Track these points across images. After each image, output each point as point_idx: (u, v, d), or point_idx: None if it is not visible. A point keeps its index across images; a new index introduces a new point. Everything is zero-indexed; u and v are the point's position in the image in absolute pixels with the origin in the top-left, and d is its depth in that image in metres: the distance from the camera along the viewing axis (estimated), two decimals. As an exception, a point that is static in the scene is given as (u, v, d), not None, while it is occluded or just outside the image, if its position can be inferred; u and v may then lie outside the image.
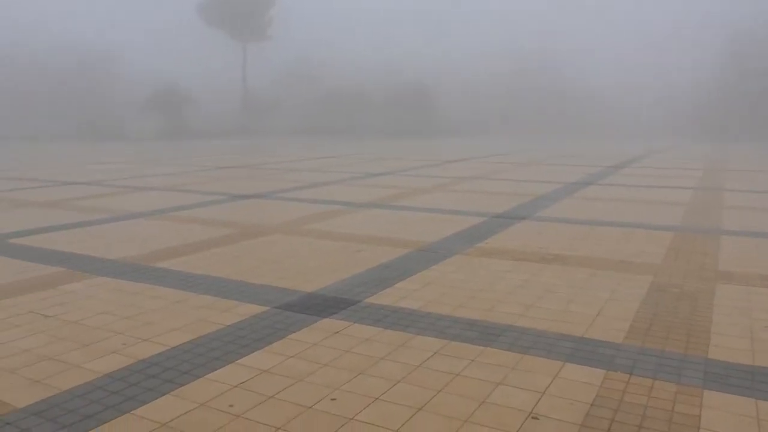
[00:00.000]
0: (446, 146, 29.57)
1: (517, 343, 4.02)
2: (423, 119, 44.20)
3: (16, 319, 4.53)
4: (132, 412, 3.11)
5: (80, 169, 18.16)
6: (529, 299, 5.01)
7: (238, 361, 3.76)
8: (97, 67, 47.98)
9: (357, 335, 4.18)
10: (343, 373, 3.57)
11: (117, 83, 47.38)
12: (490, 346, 3.97)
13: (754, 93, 38.32)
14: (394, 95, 46.57)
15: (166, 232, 8.11)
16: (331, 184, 13.61)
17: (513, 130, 40.47)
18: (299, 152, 25.54)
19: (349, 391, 3.33)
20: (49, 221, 8.78)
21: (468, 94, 45.69)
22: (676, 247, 7.00)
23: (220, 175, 16.27)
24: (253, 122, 48.04)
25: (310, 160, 21.11)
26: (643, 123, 40.15)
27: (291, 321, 4.48)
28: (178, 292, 5.25)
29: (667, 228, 8.13)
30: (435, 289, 5.30)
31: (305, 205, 10.33)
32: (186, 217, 9.30)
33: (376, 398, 3.25)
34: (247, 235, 7.76)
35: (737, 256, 6.54)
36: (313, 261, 6.35)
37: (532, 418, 3.04)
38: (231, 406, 3.18)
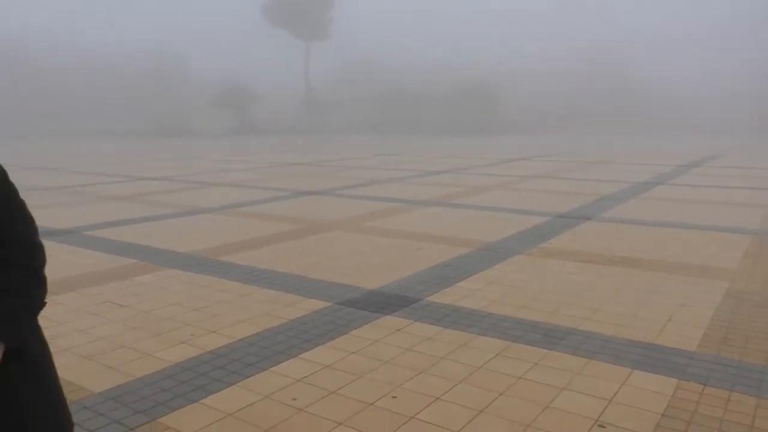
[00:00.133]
0: (509, 144, 29.16)
1: (582, 348, 3.92)
2: (485, 117, 43.67)
3: (94, 308, 4.76)
4: (200, 401, 3.22)
5: (152, 165, 18.91)
6: (594, 302, 4.87)
7: (301, 355, 3.82)
8: (168, 67, 49.82)
9: (418, 333, 4.18)
10: (404, 371, 3.58)
11: (186, 83, 49.07)
12: (554, 350, 3.88)
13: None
14: (455, 93, 46.25)
15: (232, 226, 8.34)
16: (392, 182, 13.65)
17: (579, 128, 39.45)
18: (360, 150, 25.75)
19: (410, 390, 3.33)
20: (124, 215, 9.18)
21: (532, 92, 44.85)
22: (754, 251, 6.65)
23: (284, 172, 16.60)
24: (316, 120, 48.76)
25: (371, 158, 21.24)
26: (715, 121, 38.33)
27: (353, 317, 4.52)
28: (244, 286, 5.39)
29: (744, 231, 7.73)
30: (497, 289, 5.23)
31: (366, 202, 10.41)
32: (251, 212, 9.53)
33: (437, 398, 3.23)
34: (310, 231, 7.88)
35: (822, 263, 6.16)
36: (374, 258, 6.39)
37: (599, 426, 2.96)
38: (294, 399, 3.24)
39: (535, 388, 3.35)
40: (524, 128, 41.30)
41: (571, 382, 3.43)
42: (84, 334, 4.17)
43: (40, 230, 1.74)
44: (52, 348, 1.79)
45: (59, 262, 6.04)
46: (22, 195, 1.67)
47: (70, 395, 2.92)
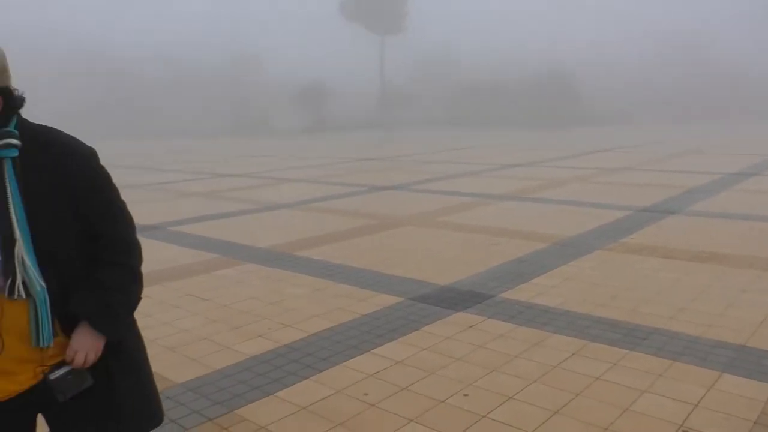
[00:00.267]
0: (588, 136, 28.21)
1: (666, 348, 3.73)
2: (564, 108, 42.41)
3: (177, 301, 4.98)
4: (275, 394, 3.30)
5: (231, 162, 19.60)
6: (679, 301, 4.63)
7: (374, 350, 3.85)
8: (246, 66, 51.44)
9: (491, 330, 4.11)
10: (476, 368, 3.53)
11: (264, 81, 50.50)
12: (635, 350, 3.72)
13: None
14: (531, 84, 45.16)
15: (308, 222, 8.51)
16: (467, 176, 13.51)
17: (662, 118, 37.62)
18: (435, 144, 25.64)
19: (482, 388, 3.29)
20: (205, 211, 9.55)
21: (612, 81, 43.17)
22: None
23: (359, 167, 16.77)
24: (391, 114, 48.96)
25: (446, 152, 21.11)
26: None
27: (425, 313, 4.51)
28: (319, 281, 5.49)
29: None
30: (574, 285, 5.07)
31: (440, 197, 10.35)
32: (326, 208, 9.69)
33: (510, 397, 3.17)
34: (384, 227, 7.92)
35: None
36: (447, 253, 6.34)
37: (683, 431, 2.81)
38: (366, 394, 3.26)
39: (613, 390, 3.22)
40: (604, 119, 39.82)
41: (653, 384, 3.27)
42: (168, 326, 4.38)
43: None
44: (139, 340, 1.87)
45: (145, 257, 6.34)
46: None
47: (154, 385, 3.06)
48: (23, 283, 1.50)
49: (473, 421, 2.95)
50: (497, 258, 6.03)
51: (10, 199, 1.50)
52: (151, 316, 4.52)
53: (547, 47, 46.17)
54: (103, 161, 1.73)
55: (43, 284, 1.53)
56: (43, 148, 1.58)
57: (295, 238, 7.32)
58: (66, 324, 1.62)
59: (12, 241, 1.50)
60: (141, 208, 9.61)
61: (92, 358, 1.63)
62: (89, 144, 1.72)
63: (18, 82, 1.61)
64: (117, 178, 1.73)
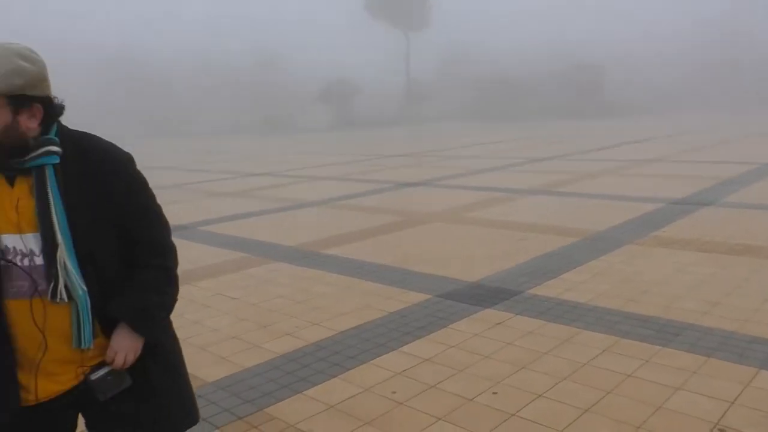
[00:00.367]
0: (617, 127, 27.74)
1: (700, 344, 3.65)
2: (592, 100, 41.78)
3: (207, 300, 5.04)
4: (303, 392, 3.32)
5: (259, 161, 19.77)
6: (714, 295, 4.52)
7: (401, 348, 3.84)
8: (273, 64, 51.80)
9: (519, 327, 4.07)
10: (504, 366, 3.50)
11: (291, 79, 50.79)
12: (668, 346, 3.64)
13: None
14: (559, 76, 44.57)
15: (335, 219, 8.54)
16: (494, 171, 13.41)
17: (693, 109, 36.79)
18: (462, 138, 25.51)
19: (511, 386, 3.26)
20: (234, 210, 9.65)
21: (640, 72, 42.34)
22: None
23: (385, 163, 16.77)
24: (417, 110, 48.85)
25: (473, 146, 20.98)
26: None
27: (453, 310, 4.49)
28: (346, 278, 5.50)
29: None
30: (604, 281, 4.99)
31: (467, 193, 10.29)
32: (353, 205, 9.71)
33: (540, 395, 3.14)
34: (411, 223, 7.91)
35: None
36: (474, 250, 6.30)
37: (719, 430, 2.74)
38: (394, 392, 3.26)
39: (646, 388, 3.16)
40: (633, 110, 39.08)
41: (687, 381, 3.20)
42: (198, 325, 4.43)
43: None
44: (172, 339, 1.90)
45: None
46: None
47: (185, 384, 3.10)
48: (65, 286, 1.54)
49: (502, 419, 2.93)
50: (525, 253, 5.97)
51: (52, 205, 1.54)
52: (182, 316, 4.58)
53: (573, 38, 45.44)
54: (132, 163, 1.75)
55: (84, 288, 1.57)
56: (83, 154, 1.62)
57: (323, 236, 7.35)
58: (105, 326, 1.66)
59: (54, 246, 1.54)
60: (171, 209, 9.69)
61: (131, 358, 1.67)
62: (123, 148, 1.75)
63: (53, 88, 1.64)
64: (146, 178, 1.76)
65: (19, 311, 1.54)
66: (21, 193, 1.56)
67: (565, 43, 45.91)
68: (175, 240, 1.85)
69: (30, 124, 1.54)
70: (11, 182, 1.56)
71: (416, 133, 32.57)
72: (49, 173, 1.56)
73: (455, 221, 7.90)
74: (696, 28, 41.52)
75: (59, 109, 1.61)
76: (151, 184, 1.78)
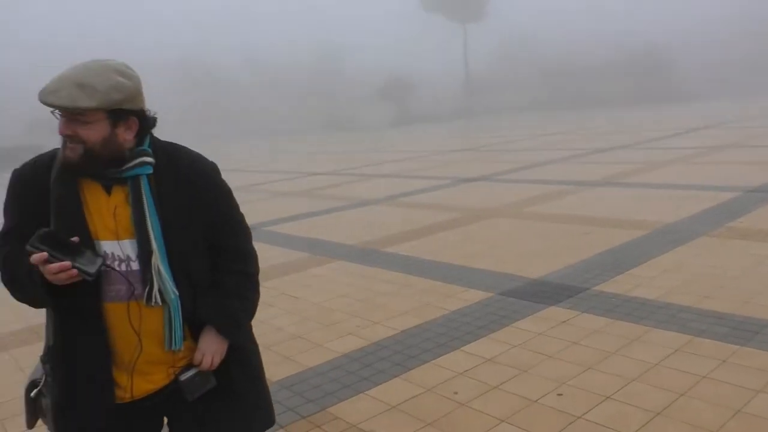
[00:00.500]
0: (686, 113, 26.51)
1: (782, 344, 3.44)
2: (658, 85, 40.05)
3: (271, 300, 5.15)
4: (365, 392, 3.34)
5: (320, 160, 20.04)
6: (797, 290, 4.25)
7: (463, 347, 3.80)
8: (331, 63, 52.37)
9: (585, 326, 3.95)
10: (570, 366, 3.41)
11: (349, 77, 51.21)
12: (746, 346, 3.45)
13: None
14: (623, 62, 42.97)
15: (395, 217, 8.55)
16: (556, 163, 13.09)
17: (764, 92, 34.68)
18: (522, 130, 25.04)
19: (577, 387, 3.17)
20: (297, 210, 9.82)
21: (710, 55, 40.25)
22: None
23: (445, 159, 16.67)
24: (476, 102, 48.30)
25: (534, 138, 20.56)
26: None
27: (515, 308, 4.41)
28: (407, 276, 5.50)
29: None
30: (676, 276, 4.78)
31: (529, 186, 10.09)
32: (413, 202, 9.70)
33: (607, 397, 3.03)
34: (472, 219, 7.82)
35: None
36: (537, 245, 6.17)
37: (803, 435, 2.58)
38: (455, 393, 3.23)
39: (723, 390, 3.00)
40: (703, 95, 37.18)
41: (768, 383, 3.03)
42: (263, 324, 4.53)
43: None
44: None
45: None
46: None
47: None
48: (159, 290, 1.63)
49: (567, 422, 2.85)
50: (591, 248, 5.79)
51: (147, 213, 1.64)
52: (247, 316, 4.69)
53: (637, 22, 43.73)
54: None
55: (176, 292, 1.66)
56: (173, 164, 1.72)
57: (383, 234, 7.37)
58: (193, 329, 1.74)
59: (149, 252, 1.63)
60: (236, 210, 9.97)
61: (217, 361, 1.74)
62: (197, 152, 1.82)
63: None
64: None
65: (116, 314, 1.63)
66: (118, 201, 1.65)
67: (629, 27, 44.23)
68: (241, 241, 1.89)
69: (126, 136, 1.63)
70: (108, 191, 1.65)
71: (476, 126, 32.20)
72: (144, 183, 1.66)
73: (516, 216, 7.76)
74: (764, 6, 39.06)
75: (152, 122, 1.71)
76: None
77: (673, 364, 3.31)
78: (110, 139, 1.59)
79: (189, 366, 1.73)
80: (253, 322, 1.90)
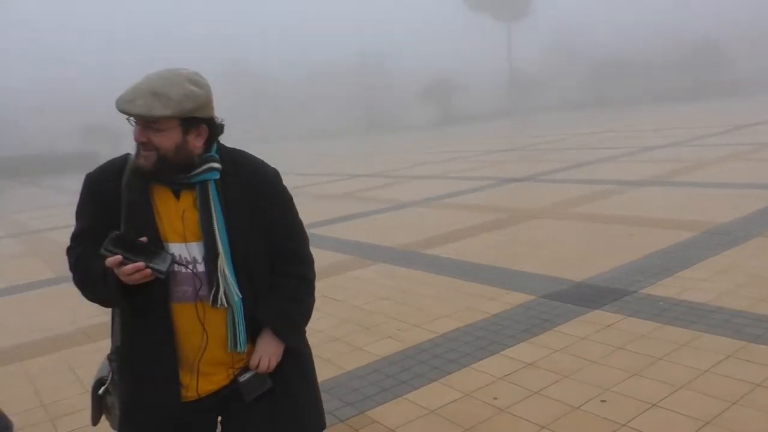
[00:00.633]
0: (743, 107, 25.50)
1: (844, 350, 3.26)
2: (712, 79, 38.64)
3: (312, 302, 5.18)
4: (404, 396, 3.32)
5: (363, 162, 20.12)
6: None
7: (503, 352, 3.74)
8: (374, 66, 52.56)
9: (631, 330, 3.83)
10: (614, 372, 3.31)
11: (393, 79, 51.29)
12: (804, 352, 3.29)
13: None
14: (675, 56, 41.66)
15: (438, 219, 8.50)
16: (603, 162, 12.78)
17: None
18: (568, 129, 24.57)
19: (622, 394, 3.07)
20: (340, 212, 9.88)
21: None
22: None
23: (489, 159, 16.50)
24: (520, 101, 47.68)
25: (580, 137, 20.14)
26: None
27: (558, 312, 4.31)
28: (448, 279, 5.45)
29: None
30: (729, 278, 4.59)
31: (574, 186, 9.88)
32: (456, 203, 9.62)
33: (653, 404, 2.93)
34: (515, 220, 7.71)
35: None
36: (582, 247, 6.03)
37: None
38: (495, 398, 3.18)
39: (777, 399, 2.86)
40: (759, 89, 35.63)
41: (828, 392, 2.87)
42: (304, 327, 4.56)
43: None
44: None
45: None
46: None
47: (289, 386, 3.19)
48: (224, 292, 1.68)
49: (611, 429, 2.77)
50: (638, 250, 5.62)
51: (214, 217, 1.68)
52: (289, 318, 4.74)
53: (689, 14, 42.31)
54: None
55: (240, 294, 1.70)
56: (238, 169, 1.77)
57: (425, 236, 7.34)
58: (251, 331, 1.78)
59: (216, 255, 1.68)
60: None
61: (274, 363, 1.78)
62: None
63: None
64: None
65: (183, 314, 1.69)
66: (186, 205, 1.70)
67: (682, 20, 42.89)
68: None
69: (197, 143, 1.69)
70: (177, 195, 1.71)
71: (521, 125, 31.78)
72: (212, 188, 1.70)
73: (561, 217, 7.60)
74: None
75: (221, 129, 1.76)
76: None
77: (725, 371, 3.18)
78: (182, 146, 1.65)
79: (246, 367, 1.76)
80: (294, 325, 1.90)
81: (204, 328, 1.69)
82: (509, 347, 3.80)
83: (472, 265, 5.83)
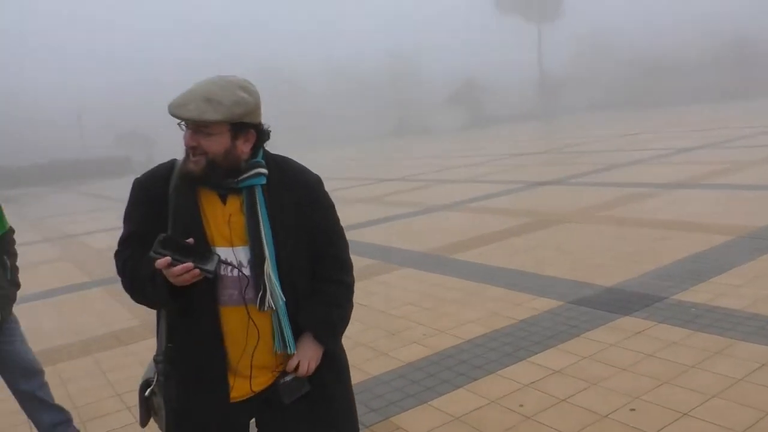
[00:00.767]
0: (783, 106, 24.78)
1: None
2: (749, 79, 37.61)
3: (338, 307, 5.19)
4: (429, 402, 3.30)
5: (391, 166, 20.13)
6: None
7: (530, 358, 3.69)
8: (404, 69, 52.60)
9: (662, 337, 3.75)
10: (644, 380, 3.24)
11: (422, 82, 51.25)
12: (844, 361, 3.17)
13: None
14: (711, 56, 40.70)
15: (465, 223, 8.45)
16: (634, 164, 12.55)
17: None
18: (599, 131, 24.21)
19: (651, 403, 3.00)
20: (368, 217, 9.89)
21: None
22: None
23: (518, 162, 16.36)
24: (550, 103, 47.18)
25: (611, 139, 19.82)
26: None
27: (587, 318, 4.24)
28: (475, 284, 5.41)
29: None
30: (765, 284, 4.45)
31: (605, 189, 9.72)
32: (484, 207, 9.56)
33: (684, 414, 2.86)
34: (543, 224, 7.62)
35: None
36: (612, 251, 5.92)
37: None
38: (521, 406, 3.14)
39: (815, 409, 2.77)
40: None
41: None
42: (330, 332, 4.57)
43: None
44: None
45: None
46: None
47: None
48: (270, 296, 1.70)
49: (640, 439, 2.71)
50: (670, 255, 5.50)
51: (261, 222, 1.71)
52: (315, 323, 4.76)
53: (725, 13, 41.33)
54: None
55: (284, 298, 1.72)
56: (282, 175, 1.80)
57: (452, 240, 7.30)
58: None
59: (262, 259, 1.70)
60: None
61: (313, 367, 1.80)
62: None
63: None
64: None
65: (230, 317, 1.72)
66: (232, 209, 1.73)
67: (718, 19, 41.92)
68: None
69: (244, 148, 1.72)
70: (224, 200, 1.73)
71: (552, 127, 31.44)
72: (259, 193, 1.73)
73: (591, 221, 7.49)
74: None
75: (267, 135, 1.79)
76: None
77: (760, 380, 3.08)
78: (230, 151, 1.68)
79: (285, 371, 1.78)
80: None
81: (254, 331, 1.72)
82: (536, 354, 3.75)
83: (499, 269, 5.77)
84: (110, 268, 7.99)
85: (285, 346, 1.73)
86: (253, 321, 1.71)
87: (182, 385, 1.76)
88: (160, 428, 1.85)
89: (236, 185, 1.71)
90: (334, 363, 1.86)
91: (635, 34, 45.59)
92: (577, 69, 48.86)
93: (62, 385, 4.20)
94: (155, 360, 1.83)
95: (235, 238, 1.71)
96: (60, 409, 3.14)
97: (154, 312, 1.83)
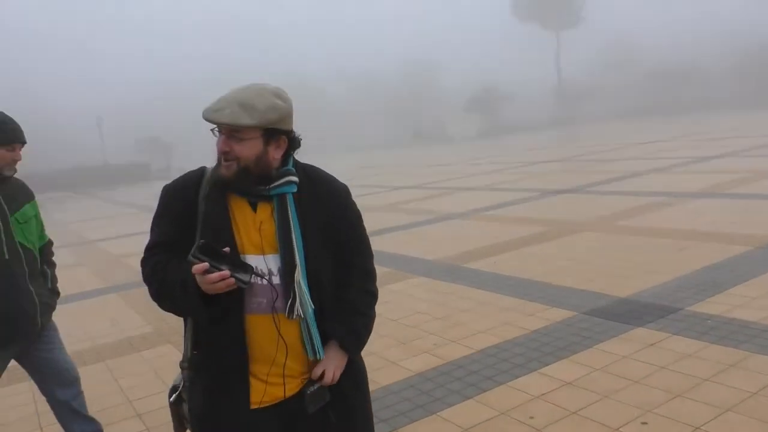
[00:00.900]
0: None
1: None
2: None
3: (350, 316, 5.19)
4: (438, 413, 3.28)
5: (410, 173, 20.12)
6: None
7: (541, 370, 3.66)
8: (422, 77, 52.66)
9: (676, 349, 3.69)
10: (657, 393, 3.19)
11: (440, 90, 51.27)
12: None
13: None
14: (732, 64, 40.21)
15: (479, 232, 8.42)
16: (653, 173, 12.42)
17: None
18: (618, 139, 24.01)
19: (664, 416, 2.96)
20: (382, 225, 9.88)
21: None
22: None
23: (534, 170, 16.27)
24: (569, 111, 46.91)
25: (631, 147, 19.64)
26: None
27: (600, 329, 4.19)
28: (487, 294, 5.38)
29: None
30: (783, 296, 4.38)
31: (622, 199, 9.63)
32: (499, 216, 9.51)
33: (696, 428, 2.81)
34: (558, 233, 7.56)
35: None
36: (627, 261, 5.86)
37: None
38: (531, 418, 3.11)
39: (832, 426, 2.70)
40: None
41: None
42: (341, 340, 4.57)
43: None
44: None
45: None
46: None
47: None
48: (300, 304, 1.71)
49: (651, 454, 2.66)
50: (686, 265, 5.43)
51: (292, 230, 1.72)
52: (326, 331, 4.76)
53: (747, 20, 40.86)
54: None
55: (313, 305, 1.73)
56: (312, 184, 1.81)
57: (466, 249, 7.27)
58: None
59: (293, 267, 1.71)
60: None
61: (338, 375, 1.80)
62: None
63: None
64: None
65: (257, 325, 1.72)
66: (263, 217, 1.74)
67: (740, 26, 41.44)
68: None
69: (276, 155, 1.73)
70: (254, 207, 1.75)
71: (569, 136, 31.24)
72: (290, 201, 1.74)
73: (606, 230, 7.42)
74: None
75: (298, 143, 1.80)
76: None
77: (776, 395, 3.02)
78: (262, 157, 1.69)
79: (311, 379, 1.78)
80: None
81: (282, 339, 1.71)
82: (548, 365, 3.72)
83: (512, 279, 5.74)
84: (126, 274, 8.02)
85: (315, 353, 1.74)
86: (279, 329, 1.70)
87: (207, 392, 1.76)
88: None
89: (267, 192, 1.72)
90: (353, 371, 1.86)
91: (655, 41, 45.21)
92: (596, 77, 48.57)
93: (76, 390, 4.23)
94: (180, 366, 1.84)
95: (265, 245, 1.71)
96: (91, 420, 3.14)
97: (167, 319, 1.84)
